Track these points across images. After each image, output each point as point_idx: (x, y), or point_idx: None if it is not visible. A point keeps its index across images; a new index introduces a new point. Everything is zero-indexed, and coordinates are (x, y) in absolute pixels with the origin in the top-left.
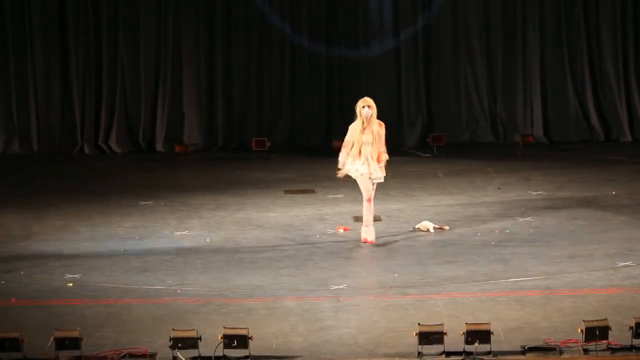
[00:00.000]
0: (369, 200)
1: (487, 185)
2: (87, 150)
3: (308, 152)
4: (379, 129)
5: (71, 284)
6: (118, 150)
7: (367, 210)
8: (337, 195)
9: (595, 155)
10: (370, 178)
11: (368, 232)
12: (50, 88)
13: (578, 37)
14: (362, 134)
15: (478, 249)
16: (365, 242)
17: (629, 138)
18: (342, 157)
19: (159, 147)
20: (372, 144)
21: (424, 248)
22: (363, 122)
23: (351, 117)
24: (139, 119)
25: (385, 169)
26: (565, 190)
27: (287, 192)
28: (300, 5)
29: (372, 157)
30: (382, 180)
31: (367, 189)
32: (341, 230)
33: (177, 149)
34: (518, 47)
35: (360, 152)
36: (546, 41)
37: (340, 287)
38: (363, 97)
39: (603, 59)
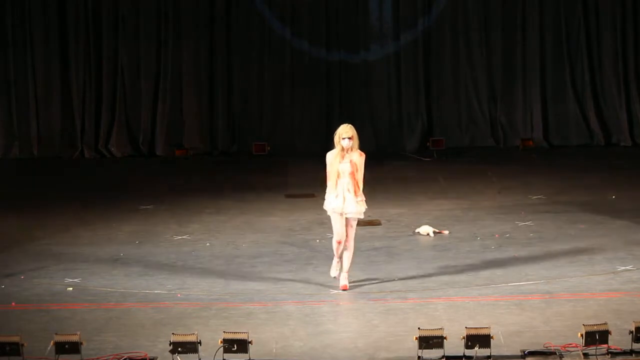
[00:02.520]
0: (339, 242)
1: (487, 190)
2: (87, 155)
3: (308, 156)
4: (359, 158)
5: (71, 288)
6: (118, 154)
7: (338, 253)
8: None
9: (595, 159)
10: (342, 213)
11: (343, 277)
12: (50, 92)
13: (578, 41)
14: (340, 163)
15: (478, 253)
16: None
17: (629, 142)
18: (328, 194)
19: (159, 151)
20: (350, 174)
21: (424, 252)
22: (342, 151)
23: (350, 119)
24: (139, 123)
25: (386, 178)
26: (565, 194)
27: (287, 196)
28: (301, 10)
29: (348, 190)
30: (362, 216)
31: (337, 229)
32: None
33: (178, 152)
34: (518, 51)
35: (335, 184)
36: (546, 45)
37: (340, 291)
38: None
39: (603, 63)
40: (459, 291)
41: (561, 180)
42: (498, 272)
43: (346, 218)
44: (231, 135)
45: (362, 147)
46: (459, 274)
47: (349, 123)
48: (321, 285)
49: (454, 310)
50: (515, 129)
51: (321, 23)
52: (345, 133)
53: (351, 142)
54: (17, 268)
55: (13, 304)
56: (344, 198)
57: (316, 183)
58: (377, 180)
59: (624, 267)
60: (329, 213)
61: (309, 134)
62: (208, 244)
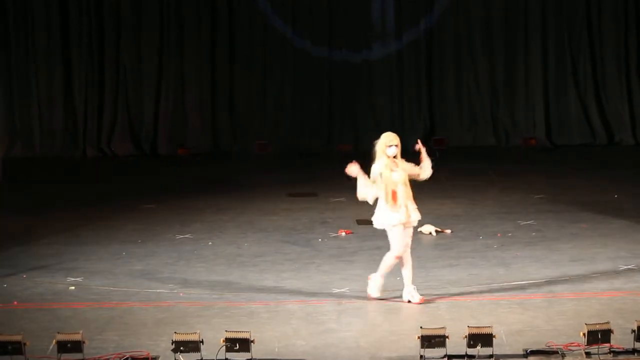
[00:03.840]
0: (398, 257)
1: (489, 189)
2: (89, 154)
3: (310, 156)
4: (407, 165)
5: (73, 287)
6: (120, 153)
7: (389, 265)
8: (339, 199)
9: (597, 158)
10: (409, 222)
11: (374, 284)
12: (53, 91)
13: (580, 40)
14: (392, 172)
15: (480, 252)
16: (422, 302)
17: (631, 141)
18: (382, 209)
19: (162, 150)
20: (404, 183)
21: (426, 251)
22: (389, 159)
23: (352, 119)
24: (142, 122)
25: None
26: (567, 193)
27: (289, 195)
28: (303, 9)
29: (407, 198)
30: (416, 224)
31: (401, 244)
32: (343, 234)
33: (180, 152)
34: (520, 50)
35: (394, 195)
36: (548, 44)
37: (342, 290)
38: (388, 131)
39: (605, 62)
40: (461, 290)
41: (563, 180)
42: (500, 271)
43: (408, 226)
44: (233, 135)
45: (363, 146)
46: (460, 273)
47: (350, 123)
48: (323, 284)
49: (456, 310)
50: (518, 128)
51: (323, 22)
52: (390, 141)
53: (397, 149)
54: (19, 267)
55: (15, 303)
56: (407, 208)
57: (318, 182)
58: None
59: (626, 266)
60: (389, 228)
61: (311, 133)
62: (210, 243)
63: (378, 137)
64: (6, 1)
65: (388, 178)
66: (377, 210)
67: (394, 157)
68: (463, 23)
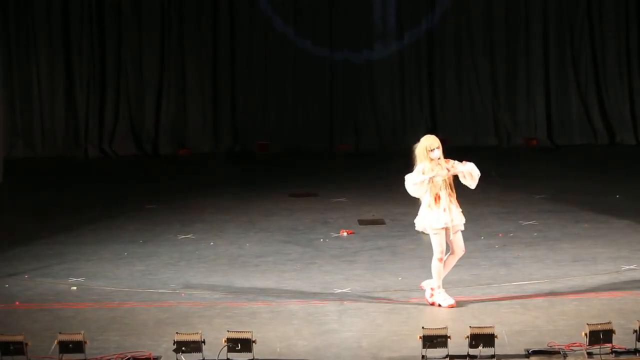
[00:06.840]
0: (441, 259)
1: (490, 189)
2: (90, 154)
3: (311, 156)
4: (447, 165)
5: (75, 288)
6: (122, 153)
7: (439, 271)
8: (341, 199)
9: (598, 158)
10: (453, 226)
11: (441, 295)
12: (54, 91)
13: (581, 40)
14: (435, 176)
15: (482, 253)
16: (452, 307)
17: (632, 141)
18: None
19: (163, 150)
20: (447, 187)
21: (428, 251)
22: (432, 162)
23: (353, 118)
24: (143, 122)
25: (389, 177)
26: (568, 193)
27: (291, 195)
28: (304, 9)
29: (451, 202)
30: (463, 228)
31: (443, 247)
32: (345, 234)
33: (181, 152)
34: (521, 50)
35: (438, 198)
36: (549, 44)
37: (344, 290)
38: (428, 135)
39: (607, 62)
40: (462, 290)
41: (565, 180)
42: (502, 271)
43: (454, 230)
44: (234, 135)
45: (364, 146)
46: (462, 273)
47: (351, 123)
48: (325, 284)
49: (458, 310)
50: (519, 128)
51: (324, 22)
52: (431, 145)
53: (440, 151)
54: (21, 267)
55: (17, 303)
56: (450, 211)
57: (319, 182)
58: (380, 179)
59: (627, 267)
60: (431, 231)
61: (312, 133)
62: (211, 243)
63: (379, 136)
64: (6, 1)
65: (432, 184)
66: (420, 213)
67: (438, 158)
68: (464, 23)
